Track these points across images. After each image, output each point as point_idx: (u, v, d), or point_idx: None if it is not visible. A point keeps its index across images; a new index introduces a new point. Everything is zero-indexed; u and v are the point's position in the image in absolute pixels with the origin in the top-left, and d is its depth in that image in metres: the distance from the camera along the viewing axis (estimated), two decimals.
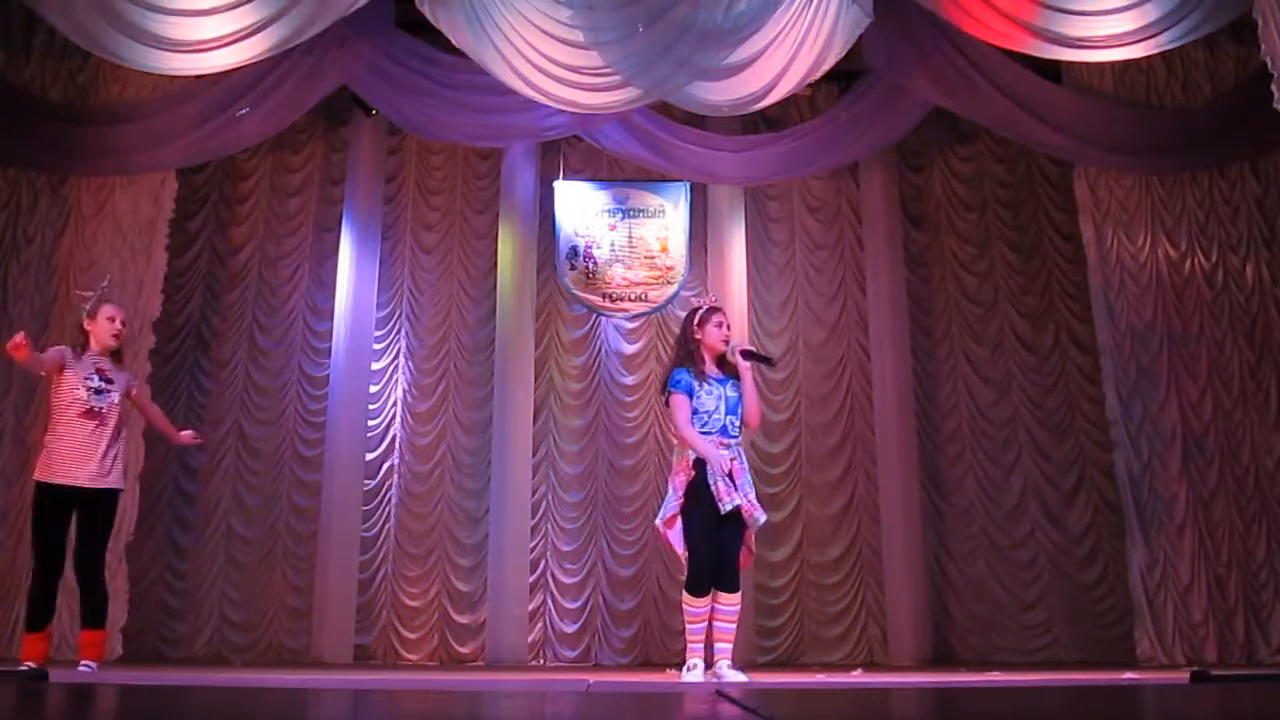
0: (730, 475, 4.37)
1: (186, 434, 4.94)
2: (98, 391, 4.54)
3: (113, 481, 4.57)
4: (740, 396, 4.50)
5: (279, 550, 7.53)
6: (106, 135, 7.09)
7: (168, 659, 7.15)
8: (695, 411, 4.44)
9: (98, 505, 4.51)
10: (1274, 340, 7.15)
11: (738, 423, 4.49)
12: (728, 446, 4.43)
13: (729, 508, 4.29)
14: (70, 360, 4.58)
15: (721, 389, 4.48)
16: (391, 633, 7.47)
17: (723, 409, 4.45)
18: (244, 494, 7.61)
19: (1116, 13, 5.97)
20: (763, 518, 4.45)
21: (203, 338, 7.81)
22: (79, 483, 4.46)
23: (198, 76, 6.89)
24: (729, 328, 4.59)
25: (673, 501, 4.41)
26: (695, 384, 4.47)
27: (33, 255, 7.23)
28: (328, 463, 7.48)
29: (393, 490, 7.71)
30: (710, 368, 4.52)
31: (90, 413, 4.52)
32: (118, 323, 4.66)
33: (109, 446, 4.54)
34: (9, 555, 6.70)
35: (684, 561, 4.44)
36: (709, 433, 4.41)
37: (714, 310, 4.63)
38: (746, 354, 4.53)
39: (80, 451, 4.48)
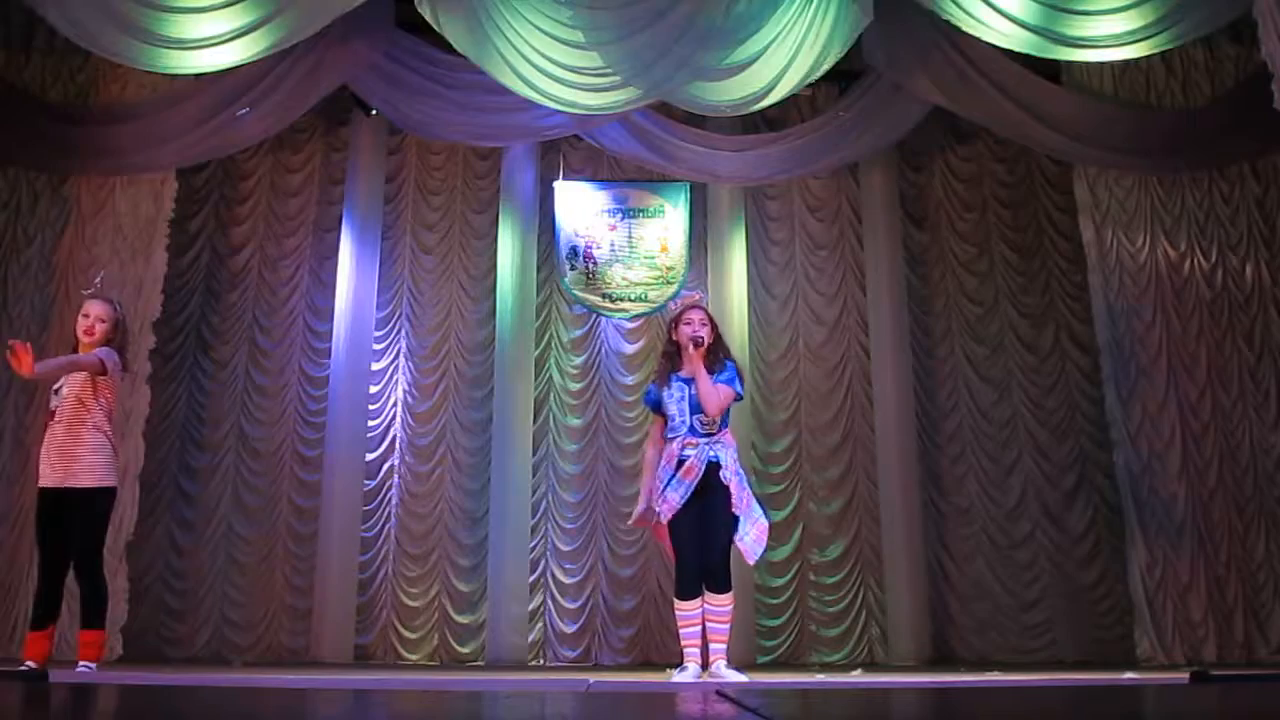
0: (683, 466, 4.39)
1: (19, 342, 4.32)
2: (56, 391, 4.53)
3: (87, 478, 4.44)
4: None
5: (279, 550, 7.53)
6: (106, 135, 7.10)
7: (168, 659, 7.14)
8: (668, 416, 4.52)
9: (74, 504, 4.45)
10: (1274, 340, 7.15)
11: (704, 418, 4.45)
12: (695, 446, 4.41)
13: (662, 516, 4.36)
14: None
15: (685, 389, 4.47)
16: (391, 633, 7.47)
17: (687, 411, 4.45)
18: (244, 494, 7.61)
19: (1116, 13, 5.97)
20: (757, 553, 4.48)
21: (203, 338, 7.81)
22: (52, 484, 4.46)
23: (197, 76, 6.90)
24: (703, 322, 4.53)
25: (646, 509, 4.49)
26: (661, 394, 4.53)
27: (33, 255, 7.23)
28: (328, 463, 7.48)
29: (393, 490, 7.71)
30: (686, 367, 4.52)
31: (52, 415, 4.52)
32: (90, 319, 4.55)
33: (67, 443, 4.44)
34: (9, 555, 6.71)
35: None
36: (678, 433, 4.44)
37: (688, 309, 4.62)
38: (695, 340, 4.48)
39: (46, 454, 4.48)
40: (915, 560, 7.33)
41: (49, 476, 4.46)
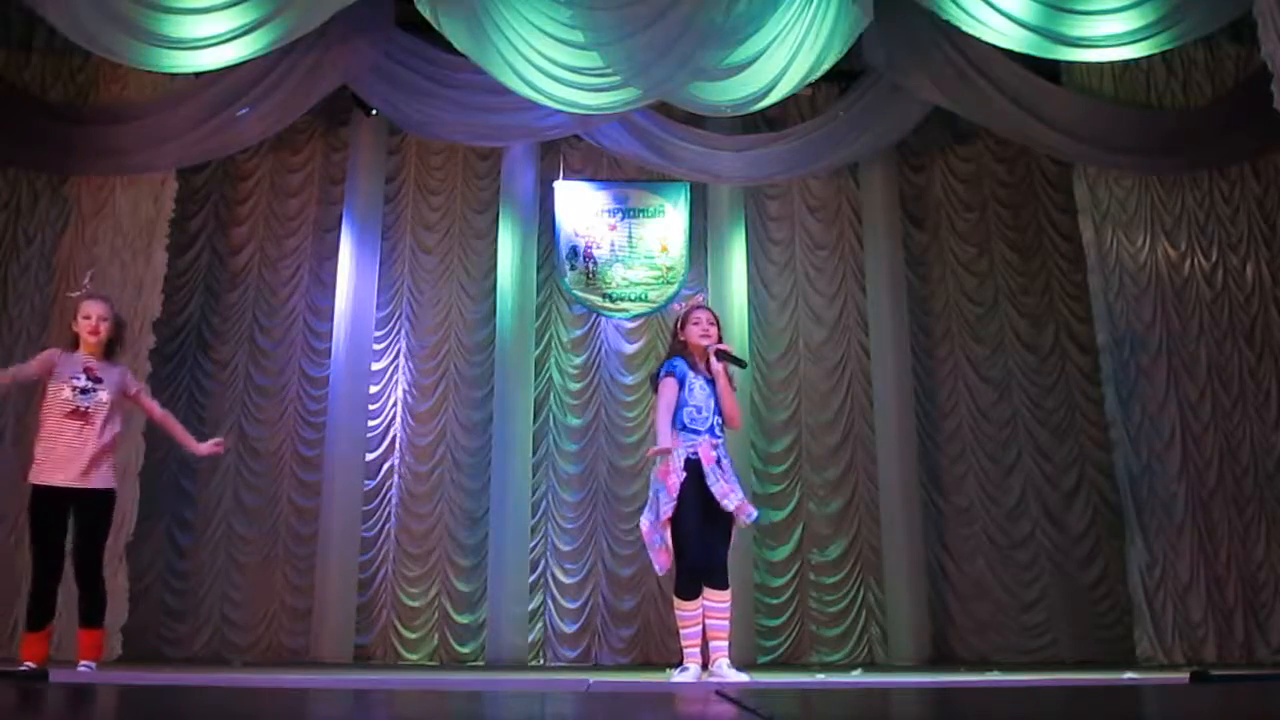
0: (721, 465, 4.39)
1: (208, 445, 4.77)
2: (83, 391, 4.48)
3: (103, 481, 4.49)
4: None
5: (279, 550, 7.53)
6: (106, 135, 7.10)
7: (168, 659, 7.14)
8: (685, 405, 4.43)
9: (91, 505, 4.46)
10: (1274, 340, 7.15)
11: (723, 421, 4.49)
12: (715, 446, 4.42)
13: (733, 504, 4.30)
14: (59, 361, 4.54)
15: (710, 388, 4.49)
16: (391, 633, 7.47)
17: (711, 411, 4.46)
18: (244, 494, 7.61)
19: (1116, 13, 5.98)
20: (754, 515, 4.45)
21: (203, 338, 7.81)
22: (69, 483, 4.42)
23: (197, 76, 6.92)
24: (711, 322, 4.55)
25: (667, 504, 4.35)
26: (690, 375, 4.48)
27: (33, 255, 7.23)
28: (328, 463, 7.48)
29: (393, 490, 7.71)
30: (699, 368, 4.51)
31: (76, 413, 4.46)
32: (94, 319, 4.56)
33: (97, 445, 4.46)
34: (9, 555, 6.70)
35: (658, 564, 4.41)
36: (698, 431, 4.41)
37: (696, 309, 4.61)
38: (720, 354, 4.49)
39: (68, 452, 4.44)
40: (915, 560, 7.33)
41: (68, 475, 4.43)
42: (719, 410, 4.47)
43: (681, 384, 4.45)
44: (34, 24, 7.13)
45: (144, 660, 6.73)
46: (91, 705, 2.82)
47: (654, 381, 4.55)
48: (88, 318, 4.58)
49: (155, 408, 4.81)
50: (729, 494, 4.32)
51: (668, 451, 4.35)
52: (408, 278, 8.05)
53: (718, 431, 4.46)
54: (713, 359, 4.47)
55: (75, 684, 3.97)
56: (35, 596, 4.45)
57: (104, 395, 4.52)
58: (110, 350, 4.66)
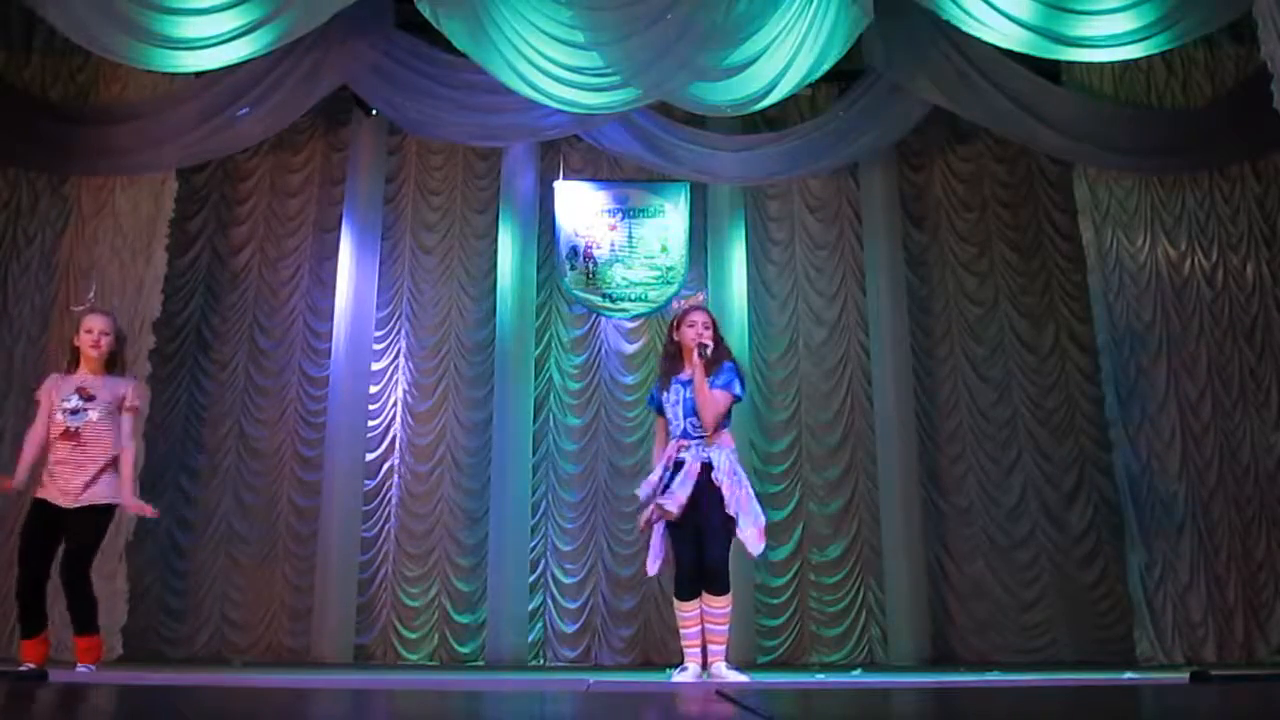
0: (681, 467, 4.36)
1: (138, 505, 4.64)
2: (73, 412, 4.48)
3: (92, 498, 4.46)
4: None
5: (279, 550, 7.53)
6: (106, 135, 7.11)
7: (168, 659, 7.15)
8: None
9: (79, 522, 4.45)
10: (1274, 340, 7.15)
11: (698, 422, 4.43)
12: (689, 448, 4.40)
13: (670, 501, 4.30)
14: (56, 387, 4.56)
15: (682, 393, 4.47)
16: (391, 633, 7.47)
17: (681, 415, 4.45)
18: (244, 494, 7.61)
19: (1116, 13, 5.98)
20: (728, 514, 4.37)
21: (203, 338, 7.81)
22: (57, 501, 4.44)
23: (197, 76, 6.92)
24: (706, 325, 4.52)
25: (640, 510, 4.48)
26: (661, 397, 4.53)
27: (33, 255, 7.24)
28: (328, 463, 7.48)
29: (393, 490, 7.71)
30: (687, 370, 4.50)
31: (67, 434, 4.46)
32: (95, 334, 4.58)
33: (88, 464, 4.46)
34: (9, 557, 6.70)
35: (647, 566, 4.49)
36: (673, 439, 4.45)
37: (690, 310, 4.60)
38: (701, 350, 4.47)
39: (60, 470, 4.46)
40: (915, 560, 7.32)
41: (65, 497, 4.43)
42: (691, 412, 4.44)
43: (662, 407, 4.54)
44: (34, 24, 7.13)
45: (144, 660, 6.74)
46: (91, 705, 2.82)
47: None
48: (89, 332, 4.60)
49: (127, 434, 4.64)
50: (672, 500, 4.32)
51: (648, 523, 4.45)
52: (408, 278, 8.05)
53: (692, 433, 4.43)
54: (695, 354, 4.44)
55: (74, 684, 3.97)
56: (22, 605, 4.43)
57: (93, 414, 4.51)
58: (112, 364, 4.66)
